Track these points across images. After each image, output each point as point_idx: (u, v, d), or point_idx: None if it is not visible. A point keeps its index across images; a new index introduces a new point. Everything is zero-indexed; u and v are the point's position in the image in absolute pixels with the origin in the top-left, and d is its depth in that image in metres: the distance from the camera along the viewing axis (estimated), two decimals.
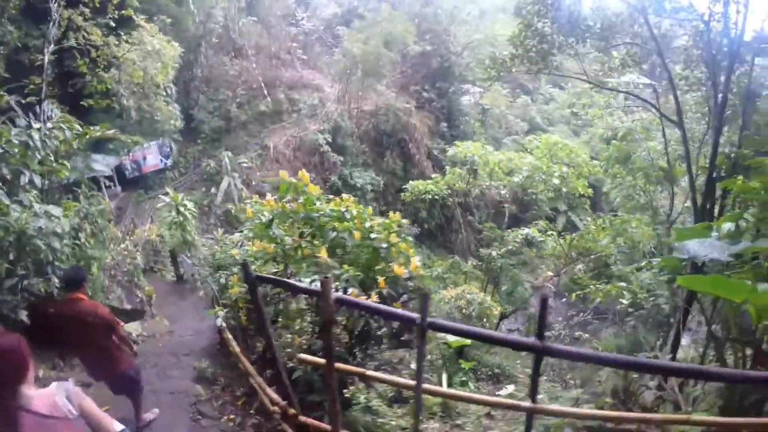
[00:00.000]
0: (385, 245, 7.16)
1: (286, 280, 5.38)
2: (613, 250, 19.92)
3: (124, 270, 14.78)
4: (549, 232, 22.12)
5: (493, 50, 42.65)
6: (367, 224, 7.25)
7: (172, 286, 18.02)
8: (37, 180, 6.30)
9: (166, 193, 19.04)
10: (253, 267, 8.24)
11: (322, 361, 4.43)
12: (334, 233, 7.07)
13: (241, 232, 14.59)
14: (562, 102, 48.15)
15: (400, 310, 4.81)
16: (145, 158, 30.63)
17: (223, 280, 9.45)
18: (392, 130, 34.85)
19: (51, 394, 3.13)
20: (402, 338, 7.87)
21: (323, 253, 6.87)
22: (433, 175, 28.68)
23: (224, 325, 8.35)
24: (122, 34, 19.38)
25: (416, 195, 26.61)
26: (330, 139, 33.24)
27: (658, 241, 20.06)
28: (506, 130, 41.31)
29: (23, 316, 7.09)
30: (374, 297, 6.22)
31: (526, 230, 21.83)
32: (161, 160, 31.27)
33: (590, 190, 26.75)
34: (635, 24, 18.39)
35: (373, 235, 7.16)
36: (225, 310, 8.42)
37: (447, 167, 29.88)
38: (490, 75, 19.21)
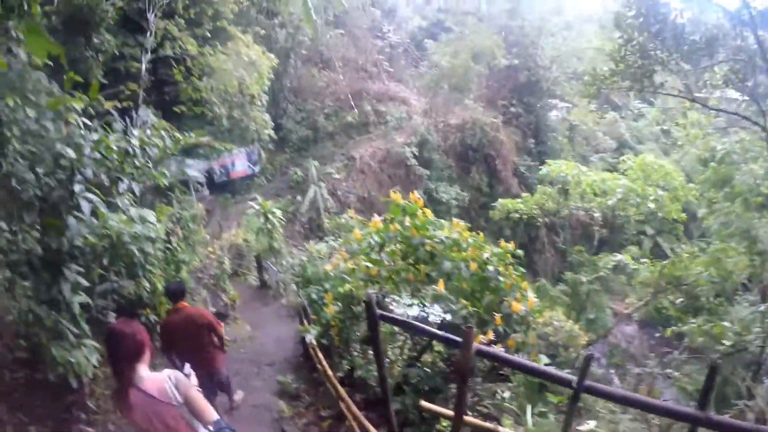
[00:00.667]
0: (502, 278, 6.62)
1: (419, 324, 4.96)
2: (705, 281, 18.45)
3: (211, 273, 14.98)
4: (642, 260, 20.77)
5: (580, 64, 41.62)
6: (485, 255, 6.70)
7: (256, 291, 18.01)
8: (136, 187, 6.20)
9: (255, 199, 19.20)
10: (347, 285, 7.97)
11: (448, 412, 4.00)
12: (449, 263, 6.53)
13: (326, 242, 14.39)
14: (652, 119, 45.98)
15: (553, 370, 4.30)
16: (233, 164, 30.99)
17: (314, 296, 9.17)
18: (478, 145, 34.08)
19: (162, 379, 3.47)
20: (499, 372, 7.32)
21: (441, 286, 6.42)
22: (523, 195, 27.75)
23: (314, 342, 8.03)
24: (218, 44, 19.69)
25: (504, 213, 25.77)
26: (416, 153, 32.80)
27: (752, 272, 18.61)
28: (594, 147, 39.72)
29: (112, 318, 7.03)
30: (490, 335, 5.79)
31: (619, 256, 20.61)
32: (249, 167, 31.40)
33: (684, 215, 25.21)
34: (738, 38, 17.23)
35: (490, 268, 6.61)
36: (317, 328, 8.07)
37: (536, 185, 28.98)
38: (589, 92, 18.35)
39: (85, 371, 5.46)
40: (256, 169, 31.79)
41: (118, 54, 18.73)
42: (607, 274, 20.60)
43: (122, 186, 5.88)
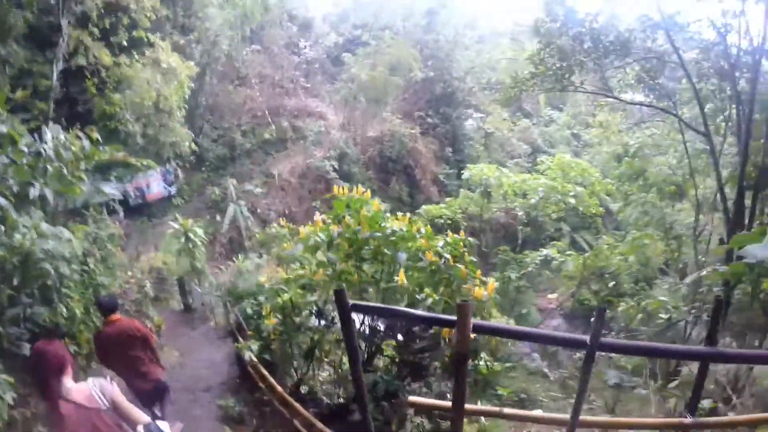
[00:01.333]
0: (458, 266, 6.24)
1: (401, 308, 4.53)
2: (625, 268, 19.17)
3: (132, 298, 14.13)
4: (568, 252, 21.21)
5: (493, 74, 42.52)
6: (440, 244, 6.30)
7: (180, 315, 17.09)
8: (49, 194, 5.40)
9: (175, 219, 18.18)
10: (285, 295, 7.38)
11: (445, 404, 3.52)
12: (405, 254, 6.06)
13: (260, 257, 13.74)
14: (563, 123, 47.66)
15: (566, 334, 4.00)
16: (149, 186, 29.49)
17: (249, 310, 8.52)
18: (398, 156, 34.09)
19: (87, 387, 3.59)
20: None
21: (402, 277, 5.94)
22: (447, 199, 27.73)
23: (254, 359, 7.37)
24: (134, 53, 18.59)
25: (428, 219, 25.60)
26: (336, 166, 32.48)
27: (669, 257, 19.52)
28: (509, 153, 40.58)
29: (26, 349, 6.14)
30: None
31: (545, 251, 20.92)
32: (165, 188, 29.96)
33: (601, 209, 26.06)
34: (649, 40, 18.08)
35: (447, 255, 6.21)
36: (257, 343, 7.42)
37: (456, 192, 29.14)
38: (511, 94, 18.61)
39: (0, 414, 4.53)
40: (173, 190, 30.39)
41: (25, 68, 17.38)
42: (534, 269, 20.85)
43: (33, 191, 5.08)
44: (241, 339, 8.94)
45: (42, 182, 5.51)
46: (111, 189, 17.96)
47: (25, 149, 5.31)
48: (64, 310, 7.22)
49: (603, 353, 11.81)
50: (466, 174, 27.04)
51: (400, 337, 6.97)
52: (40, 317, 6.80)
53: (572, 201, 24.06)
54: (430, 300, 5.82)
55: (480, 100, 41.50)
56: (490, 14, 73.93)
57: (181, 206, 29.65)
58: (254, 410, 8.36)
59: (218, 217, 28.60)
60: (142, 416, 3.69)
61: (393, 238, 6.26)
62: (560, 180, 24.81)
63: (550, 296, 23.72)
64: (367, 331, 7.40)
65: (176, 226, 17.45)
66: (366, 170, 33.90)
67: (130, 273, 15.15)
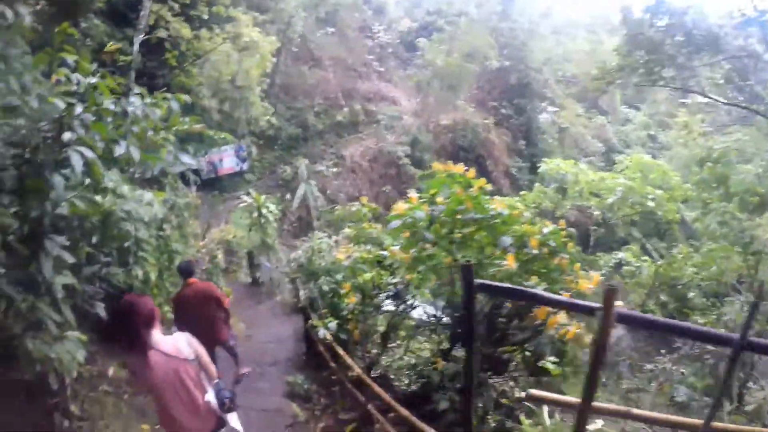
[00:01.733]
0: (566, 256, 5.77)
1: (545, 293, 4.05)
2: (698, 281, 17.83)
3: (203, 268, 14.01)
4: (643, 258, 20.00)
5: (570, 67, 40.75)
6: (545, 230, 5.71)
7: (248, 289, 17.04)
8: (135, 153, 5.08)
9: (248, 194, 18.10)
10: (366, 275, 6.95)
11: (573, 400, 3.01)
12: (510, 238, 5.50)
13: (329, 237, 13.31)
14: (639, 123, 45.74)
15: (713, 330, 3.57)
16: (221, 160, 29.90)
17: (326, 287, 8.12)
18: (470, 145, 33.40)
19: (175, 339, 3.87)
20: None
21: (511, 261, 5.40)
22: (522, 193, 26.84)
23: (329, 337, 6.98)
24: (214, 27, 18.47)
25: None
26: (408, 152, 32.01)
27: (745, 273, 18.04)
28: (583, 150, 39.16)
29: (100, 309, 5.90)
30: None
31: (620, 254, 19.80)
32: (237, 164, 30.34)
33: (678, 216, 24.55)
34: (741, 37, 16.77)
35: (552, 243, 5.63)
36: (334, 321, 7.02)
37: (527, 187, 28.22)
38: (597, 86, 17.63)
39: (69, 369, 4.28)
40: (245, 166, 30.74)
41: (105, 44, 17.52)
42: (608, 272, 19.72)
43: (118, 149, 4.74)
44: (313, 316, 8.54)
45: (127, 141, 5.20)
46: (189, 159, 18.04)
47: (112, 106, 4.95)
48: (140, 273, 6.98)
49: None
50: (542, 168, 25.97)
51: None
52: (115, 278, 6.59)
53: (651, 204, 22.65)
54: (539, 289, 5.19)
55: (555, 93, 40.27)
56: (566, 4, 71.19)
57: (252, 182, 29.72)
58: (321, 389, 8.01)
59: (288, 196, 28.58)
60: (216, 372, 4.02)
61: (496, 221, 5.68)
62: (639, 181, 23.42)
63: (617, 303, 22.41)
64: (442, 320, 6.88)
65: (249, 200, 17.35)
66: (437, 158, 33.21)
67: (201, 243, 15.20)
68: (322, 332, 7.09)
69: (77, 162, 3.93)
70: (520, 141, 36.77)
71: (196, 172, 27.83)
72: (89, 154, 4.09)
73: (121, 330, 3.81)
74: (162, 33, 16.81)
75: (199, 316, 6.83)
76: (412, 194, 6.53)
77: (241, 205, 18.20)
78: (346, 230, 10.12)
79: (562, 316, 5.23)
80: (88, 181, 4.42)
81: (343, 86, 36.47)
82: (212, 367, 4.03)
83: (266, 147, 32.20)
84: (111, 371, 6.69)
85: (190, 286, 7.15)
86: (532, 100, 37.61)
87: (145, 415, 6.28)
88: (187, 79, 16.76)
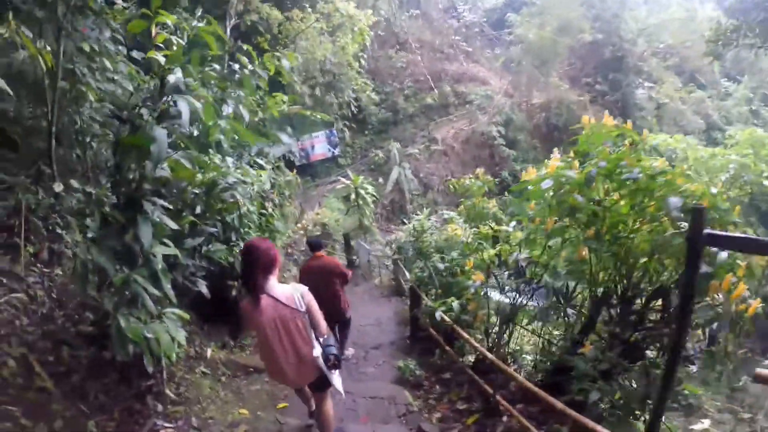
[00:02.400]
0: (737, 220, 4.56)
1: None
2: None
3: (302, 249, 13.65)
4: None
5: (666, 37, 37.54)
6: (713, 190, 4.55)
7: None
8: (245, 113, 4.50)
9: (345, 175, 17.65)
10: (490, 251, 6.08)
11: None
12: (679, 200, 4.37)
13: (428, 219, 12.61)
14: (740, 98, 41.90)
15: None
16: (313, 147, 29.93)
17: (441, 265, 7.32)
18: (565, 124, 31.50)
19: (289, 289, 3.89)
20: None
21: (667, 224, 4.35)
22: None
23: (446, 319, 6.17)
24: (306, 5, 17.92)
25: None
26: (502, 132, 30.75)
27: None
28: (683, 128, 36.30)
29: (202, 286, 5.36)
30: None
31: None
32: (329, 149, 30.44)
33: None
34: None
35: (723, 206, 4.48)
36: (454, 301, 6.19)
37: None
38: (711, 50, 15.77)
39: (167, 351, 3.77)
40: (336, 151, 30.78)
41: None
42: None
43: (226, 108, 4.17)
44: (425, 297, 7.75)
45: (237, 102, 4.66)
46: (288, 139, 17.74)
47: (217, 67, 4.39)
48: (239, 251, 6.44)
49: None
50: (650, 142, 23.89)
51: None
52: (217, 255, 6.06)
53: (767, 183, 20.15)
54: None
55: (651, 66, 37.50)
56: None
57: (343, 168, 29.56)
58: (434, 376, 7.19)
59: (380, 180, 28.13)
60: (326, 328, 4.02)
61: (661, 180, 4.56)
62: (752, 158, 20.87)
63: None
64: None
65: (347, 182, 16.89)
66: (531, 138, 31.80)
67: (298, 225, 14.81)
68: (438, 314, 6.27)
69: (184, 109, 3.28)
70: (617, 118, 34.13)
71: (289, 159, 28.07)
72: (196, 104, 3.46)
73: (242, 269, 3.83)
74: (253, 16, 16.42)
75: (324, 287, 7.02)
76: (554, 155, 5.39)
77: (339, 186, 17.76)
78: (461, 207, 9.23)
79: (742, 288, 4.13)
80: (195, 133, 3.80)
81: (431, 68, 35.62)
82: (323, 323, 4.00)
83: (357, 132, 31.94)
84: (209, 353, 6.36)
85: (318, 258, 7.35)
86: (627, 74, 35.18)
87: (243, 400, 5.90)
88: (278, 62, 16.15)
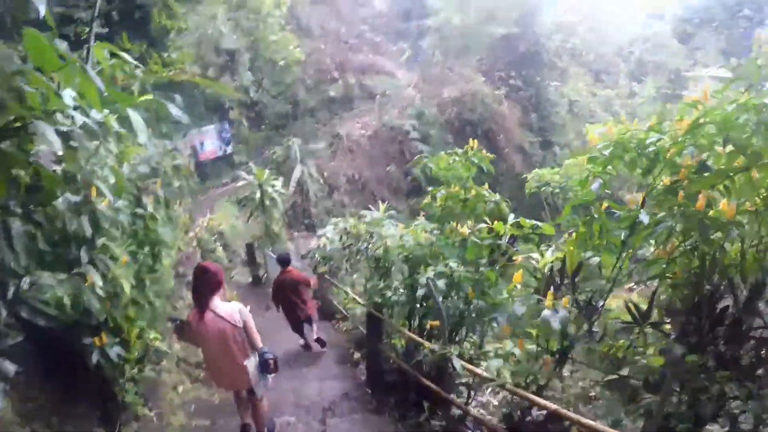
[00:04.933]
0: None
1: None
2: None
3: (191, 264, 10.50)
4: None
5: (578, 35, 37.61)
6: None
7: (248, 290, 14.11)
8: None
9: (248, 170, 14.85)
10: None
11: None
12: None
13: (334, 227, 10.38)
14: (646, 96, 43.19)
15: None
16: (202, 144, 26.75)
17: (441, 282, 4.89)
18: (479, 119, 30.24)
19: (231, 307, 4.56)
20: None
21: None
22: (568, 161, 23.40)
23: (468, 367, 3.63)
24: None
25: (538, 185, 21.35)
26: (415, 126, 28.99)
27: None
28: (594, 121, 36.32)
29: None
30: None
31: None
32: (220, 147, 27.47)
33: None
34: None
35: None
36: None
37: (539, 165, 25.36)
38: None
39: None
40: (229, 149, 27.75)
41: None
42: None
43: None
44: (396, 326, 5.14)
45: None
46: (177, 110, 14.68)
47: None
48: (98, 280, 3.53)
49: None
50: (594, 131, 22.63)
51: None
52: (46, 296, 3.06)
53: None
54: None
55: (564, 63, 37.26)
56: None
57: (238, 167, 26.41)
58: None
59: (280, 180, 25.34)
60: (260, 342, 4.61)
61: None
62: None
63: None
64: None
65: (249, 178, 14.20)
66: (444, 133, 29.98)
67: (191, 234, 11.90)
68: (458, 364, 3.74)
69: None
70: (531, 114, 33.51)
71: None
72: None
73: (194, 288, 4.58)
74: None
75: (294, 297, 8.58)
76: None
77: (239, 184, 14.86)
78: (426, 200, 6.69)
79: None
80: None
81: (335, 59, 33.19)
82: (257, 337, 4.59)
83: (252, 127, 29.14)
84: None
85: (289, 272, 8.67)
86: (541, 70, 34.44)
87: None
88: (169, 20, 12.80)
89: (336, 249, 9.96)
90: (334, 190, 26.62)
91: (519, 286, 4.66)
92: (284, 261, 8.96)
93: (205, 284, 4.49)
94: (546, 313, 3.82)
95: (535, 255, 5.15)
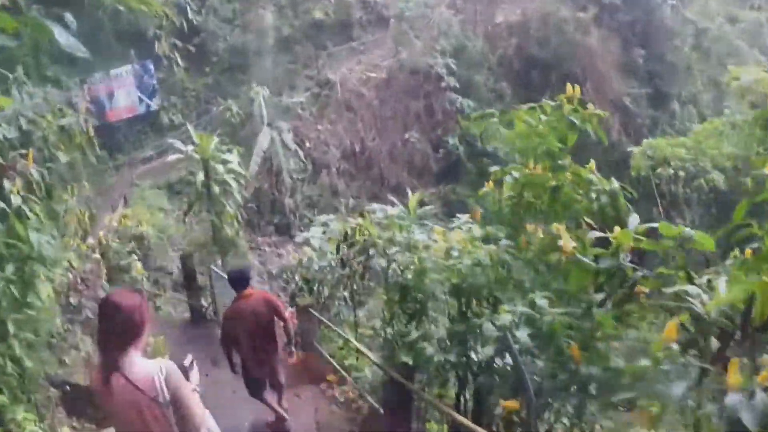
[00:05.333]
0: None
1: None
2: None
3: (97, 294, 10.74)
4: None
5: None
6: None
7: (184, 331, 14.63)
8: None
9: (187, 138, 15.03)
10: None
11: None
12: None
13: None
14: None
15: None
16: (112, 95, 27.43)
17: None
18: (553, 58, 30.79)
19: (152, 369, 4.06)
20: None
21: None
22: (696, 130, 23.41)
23: None
24: None
25: (649, 165, 21.31)
26: (446, 70, 29.20)
27: None
28: (739, 61, 36.41)
29: None
30: None
31: None
32: (141, 101, 28.00)
33: None
34: None
35: None
36: None
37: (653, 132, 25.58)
38: None
39: None
40: (154, 103, 28.34)
41: None
42: None
43: None
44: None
45: None
46: (68, 38, 14.79)
47: None
48: None
49: None
50: (742, 78, 22.64)
51: None
52: None
53: None
54: None
55: None
56: None
57: (168, 130, 27.28)
58: None
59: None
60: (205, 421, 4.31)
61: None
62: None
63: None
64: None
65: (187, 150, 14.44)
66: (494, 80, 30.14)
67: (91, 241, 12.21)
68: None
69: None
70: (635, 51, 34.06)
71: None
72: None
73: (97, 334, 4.16)
74: None
75: (262, 338, 7.99)
76: None
77: (171, 159, 15.09)
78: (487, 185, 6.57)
79: None
80: None
81: None
82: (197, 418, 4.23)
83: (192, 70, 29.53)
84: None
85: (248, 297, 8.05)
86: None
87: None
88: None
89: (327, 266, 10.41)
90: (322, 169, 27.18)
91: (673, 346, 4.22)
92: (240, 280, 8.40)
93: (115, 330, 4.01)
94: (733, 399, 3.49)
95: (691, 288, 4.68)
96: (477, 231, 6.23)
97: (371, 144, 27.78)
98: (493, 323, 5.12)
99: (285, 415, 8.50)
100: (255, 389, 8.39)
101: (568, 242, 5.15)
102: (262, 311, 7.96)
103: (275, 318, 8.09)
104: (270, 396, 8.47)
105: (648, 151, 20.53)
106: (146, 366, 4.04)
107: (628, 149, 22.29)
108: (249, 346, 8.06)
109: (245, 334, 7.99)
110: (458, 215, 7.06)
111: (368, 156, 27.42)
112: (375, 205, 9.63)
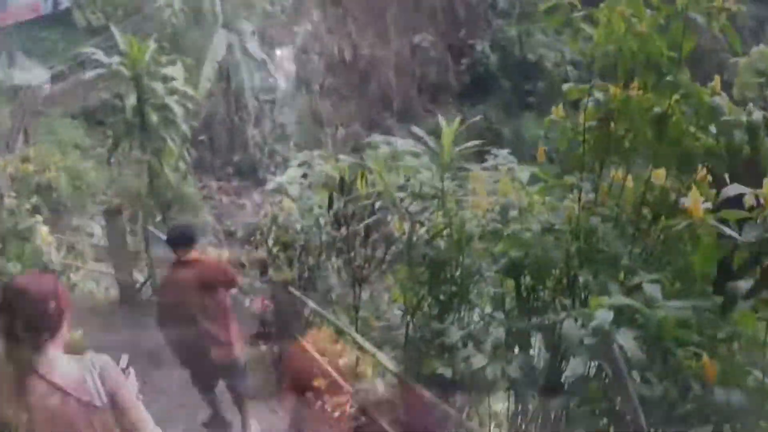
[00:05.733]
0: None
1: None
2: None
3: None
4: None
5: None
6: None
7: (113, 314, 15.25)
8: None
9: (110, 43, 15.07)
10: None
11: None
12: None
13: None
14: None
15: None
16: None
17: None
18: None
19: (81, 366, 4.14)
20: None
21: None
22: None
23: None
24: None
25: (764, 81, 21.47)
26: None
27: None
28: None
29: None
30: None
31: None
32: None
33: None
34: None
35: None
36: None
37: None
38: None
39: None
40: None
41: None
42: None
43: None
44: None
45: None
46: None
47: None
48: None
49: None
50: None
51: None
52: None
53: None
54: None
55: None
56: None
57: (85, 37, 26.71)
58: None
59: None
60: (149, 428, 4.27)
61: None
62: None
63: None
64: None
65: (110, 61, 14.33)
66: None
67: None
68: None
69: None
70: None
71: None
72: None
73: (2, 330, 4.01)
74: None
75: (203, 315, 8.30)
76: None
77: (90, 75, 15.61)
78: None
79: None
80: None
81: None
82: (143, 423, 4.24)
83: None
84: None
85: (187, 265, 8.41)
86: None
87: None
88: None
89: (314, 226, 10.49)
90: (301, 86, 27.21)
91: None
92: (181, 239, 8.92)
93: (25, 322, 3.91)
94: None
95: None
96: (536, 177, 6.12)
97: (367, 51, 27.40)
98: (577, 320, 4.84)
99: (224, 414, 9.10)
100: (202, 381, 9.01)
101: (698, 201, 4.88)
102: (210, 282, 8.35)
103: (225, 285, 8.64)
104: (225, 401, 9.05)
105: (759, 63, 20.51)
106: (71, 364, 4.08)
107: (730, 60, 22.34)
108: (190, 323, 8.36)
109: (185, 311, 8.41)
110: (492, 151, 6.96)
111: (363, 68, 27.00)
112: (377, 137, 9.51)
